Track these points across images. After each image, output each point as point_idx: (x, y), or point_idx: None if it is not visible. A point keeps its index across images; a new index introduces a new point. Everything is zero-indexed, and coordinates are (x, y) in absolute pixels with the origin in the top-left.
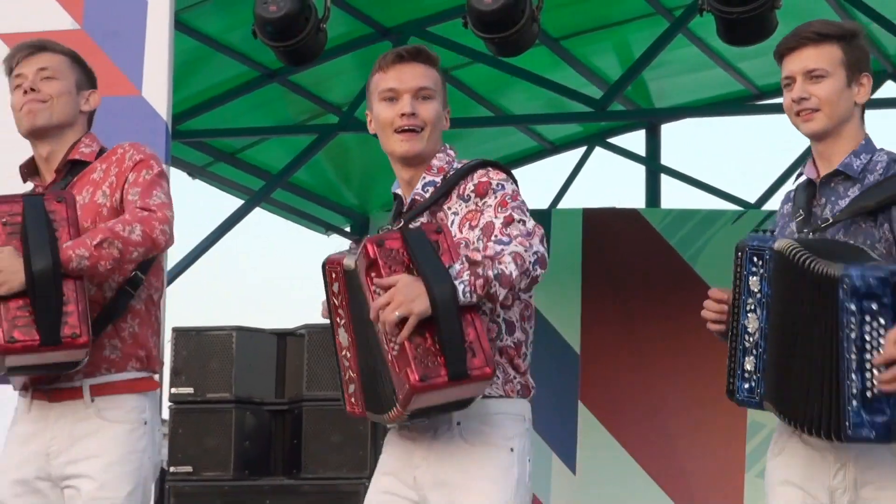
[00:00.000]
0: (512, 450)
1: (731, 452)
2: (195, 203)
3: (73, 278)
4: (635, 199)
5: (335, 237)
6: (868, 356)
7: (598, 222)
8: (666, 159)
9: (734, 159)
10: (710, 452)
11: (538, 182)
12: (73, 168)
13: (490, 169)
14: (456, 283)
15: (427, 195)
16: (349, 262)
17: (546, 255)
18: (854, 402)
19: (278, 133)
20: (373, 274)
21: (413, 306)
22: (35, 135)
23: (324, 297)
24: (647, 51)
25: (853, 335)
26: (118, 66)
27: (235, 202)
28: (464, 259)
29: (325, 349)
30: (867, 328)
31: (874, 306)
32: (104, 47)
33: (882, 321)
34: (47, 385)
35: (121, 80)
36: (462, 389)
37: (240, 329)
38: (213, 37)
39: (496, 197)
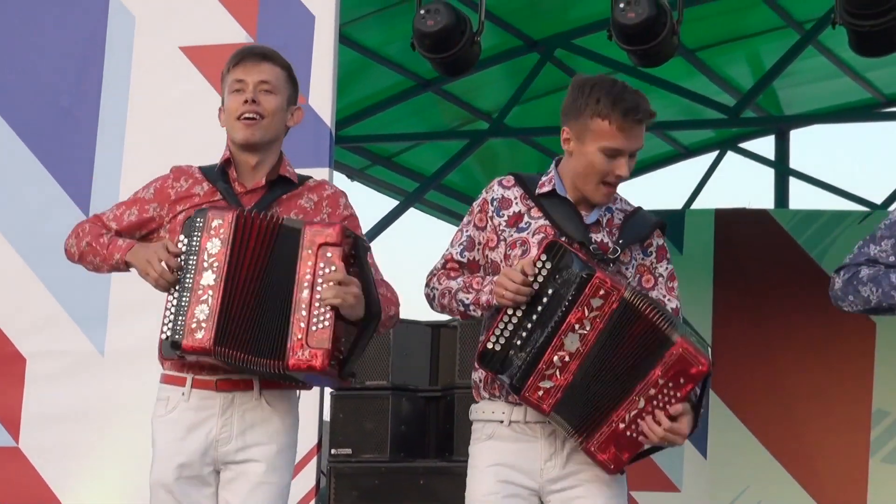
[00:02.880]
0: None
1: (857, 439)
2: (354, 203)
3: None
4: (765, 200)
5: None
6: None
7: (730, 222)
8: (794, 163)
9: (860, 163)
10: (835, 439)
11: (673, 184)
12: (279, 182)
13: (663, 234)
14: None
15: (605, 221)
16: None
17: None
18: None
19: (432, 138)
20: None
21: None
22: (247, 148)
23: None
24: (778, 61)
25: None
26: None
27: (391, 203)
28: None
29: (476, 339)
30: None
31: None
32: None
33: None
34: (211, 375)
35: None
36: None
37: None
38: (372, 49)
39: (667, 269)
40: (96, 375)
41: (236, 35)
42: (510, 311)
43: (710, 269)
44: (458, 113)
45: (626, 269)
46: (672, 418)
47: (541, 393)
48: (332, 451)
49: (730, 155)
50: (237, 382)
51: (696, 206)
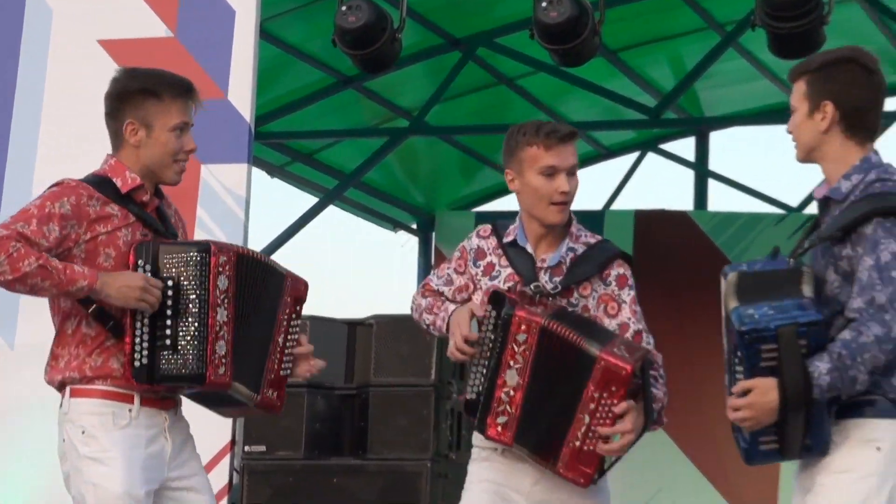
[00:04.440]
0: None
1: None
2: (273, 200)
3: None
4: (684, 201)
5: (402, 234)
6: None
7: (649, 223)
8: (714, 165)
9: (778, 166)
10: None
11: (593, 185)
12: (157, 193)
13: (624, 262)
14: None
15: (568, 260)
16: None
17: None
18: None
19: (352, 135)
20: (613, 388)
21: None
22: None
23: (464, 331)
24: (699, 63)
25: None
26: (207, 71)
27: (311, 200)
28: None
29: (392, 338)
30: None
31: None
32: (194, 54)
33: None
34: (154, 393)
35: (209, 85)
36: None
37: (313, 318)
38: (294, 45)
39: (629, 295)
40: (5, 370)
41: (156, 29)
42: (475, 363)
43: None
44: (378, 110)
45: (587, 301)
46: (620, 418)
47: (499, 428)
48: (246, 448)
49: (650, 156)
50: (172, 401)
51: (615, 206)
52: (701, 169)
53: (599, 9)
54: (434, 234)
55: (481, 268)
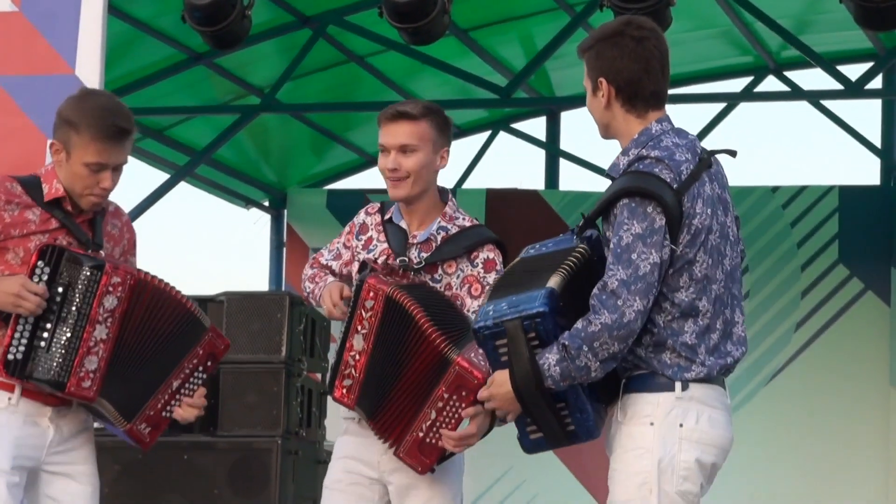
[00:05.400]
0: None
1: None
2: (123, 176)
3: None
4: (536, 181)
5: (254, 211)
6: None
7: (501, 202)
8: (565, 144)
9: None
10: None
11: None
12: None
13: (496, 248)
14: None
15: (439, 238)
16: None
17: None
18: None
19: (203, 112)
20: (464, 393)
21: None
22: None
23: (338, 296)
24: (550, 43)
25: None
26: (53, 46)
27: (162, 176)
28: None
29: (242, 315)
30: None
31: None
32: (40, 28)
33: None
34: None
35: (56, 60)
36: None
37: None
38: (144, 21)
39: (495, 279)
40: None
41: (0, 4)
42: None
43: None
44: (230, 87)
45: (451, 279)
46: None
47: (344, 390)
48: (96, 425)
49: (502, 135)
50: (61, 397)
51: (467, 185)
52: (552, 148)
53: None
54: (286, 211)
55: (362, 242)
